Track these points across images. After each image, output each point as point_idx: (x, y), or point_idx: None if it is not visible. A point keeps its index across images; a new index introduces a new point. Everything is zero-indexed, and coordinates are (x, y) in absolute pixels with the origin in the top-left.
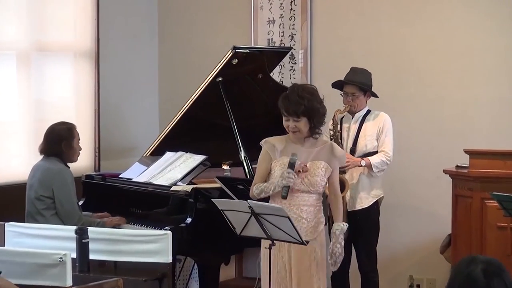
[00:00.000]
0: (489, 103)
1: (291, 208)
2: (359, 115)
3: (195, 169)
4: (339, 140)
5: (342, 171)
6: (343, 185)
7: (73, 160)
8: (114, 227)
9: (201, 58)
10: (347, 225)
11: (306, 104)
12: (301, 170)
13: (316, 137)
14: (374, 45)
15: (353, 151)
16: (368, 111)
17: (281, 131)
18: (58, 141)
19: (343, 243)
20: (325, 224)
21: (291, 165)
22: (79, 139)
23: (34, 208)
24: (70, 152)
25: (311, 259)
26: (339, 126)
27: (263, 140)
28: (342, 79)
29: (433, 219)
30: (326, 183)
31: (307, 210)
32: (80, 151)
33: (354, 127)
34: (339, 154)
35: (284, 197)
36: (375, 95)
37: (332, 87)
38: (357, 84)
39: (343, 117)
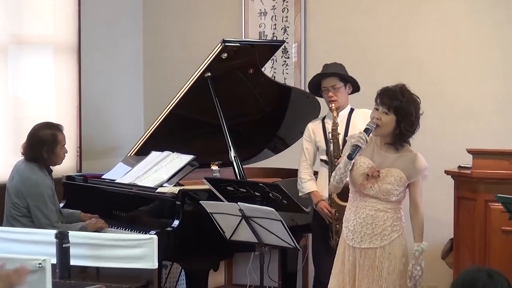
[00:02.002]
0: (494, 100)
1: (358, 211)
2: (343, 113)
3: (182, 170)
4: (339, 144)
5: None
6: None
7: (56, 164)
8: (97, 230)
9: (188, 52)
10: (427, 244)
11: (404, 102)
12: (369, 175)
13: (397, 147)
14: (371, 39)
15: (338, 158)
16: (352, 109)
17: (274, 129)
18: (39, 146)
19: (423, 265)
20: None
21: (367, 130)
22: (65, 143)
23: (11, 213)
24: (52, 158)
25: (375, 267)
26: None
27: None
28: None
29: (434, 222)
30: (403, 194)
31: (373, 215)
32: (66, 154)
33: (340, 126)
34: (421, 166)
35: (350, 157)
36: (357, 87)
37: (311, 92)
38: (336, 74)
39: (324, 117)
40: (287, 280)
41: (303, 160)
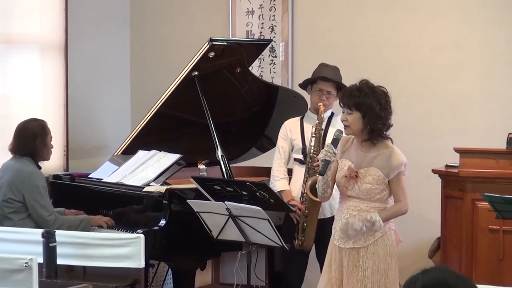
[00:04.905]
0: (481, 99)
1: (342, 212)
2: (325, 116)
3: (169, 169)
4: (321, 140)
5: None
6: None
7: (46, 158)
8: (98, 227)
9: (175, 51)
10: (382, 224)
11: (361, 98)
12: (347, 176)
13: (374, 142)
14: (359, 37)
15: (317, 154)
16: (332, 114)
17: (262, 128)
18: (32, 138)
19: (361, 225)
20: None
21: (334, 141)
22: (52, 137)
23: (1, 211)
24: (44, 150)
25: (359, 267)
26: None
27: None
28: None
29: (421, 221)
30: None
31: (356, 215)
32: (52, 149)
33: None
34: (397, 162)
35: (321, 173)
36: None
37: (302, 84)
38: (339, 84)
39: (303, 117)
40: (274, 279)
41: (277, 158)
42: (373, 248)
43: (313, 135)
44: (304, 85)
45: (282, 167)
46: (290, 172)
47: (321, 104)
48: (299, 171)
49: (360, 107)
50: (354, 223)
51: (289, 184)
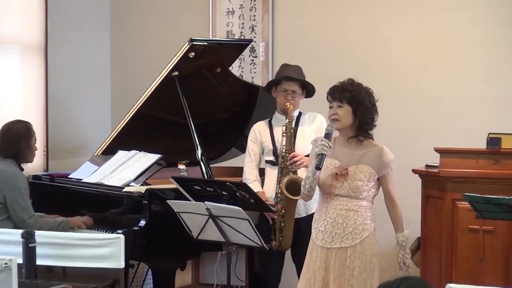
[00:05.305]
0: (462, 99)
1: (328, 212)
2: (293, 115)
3: (149, 169)
4: (292, 139)
5: (293, 171)
6: (299, 188)
7: (30, 160)
8: (77, 227)
9: (156, 52)
10: (408, 231)
11: (353, 92)
12: (338, 174)
13: (361, 139)
14: (339, 37)
15: (290, 153)
16: (300, 113)
17: (242, 129)
18: (17, 140)
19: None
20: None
21: (327, 135)
22: (36, 139)
23: None
24: (28, 153)
25: (346, 267)
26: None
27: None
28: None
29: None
30: (374, 189)
31: (344, 215)
32: (36, 151)
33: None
34: (388, 159)
35: (318, 168)
36: (311, 94)
37: (266, 87)
38: (302, 82)
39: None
40: (254, 279)
41: (248, 161)
42: (361, 248)
43: (284, 134)
44: (268, 87)
45: (253, 170)
46: (262, 171)
47: (288, 104)
48: (271, 173)
49: (352, 101)
50: (404, 259)
51: (262, 186)
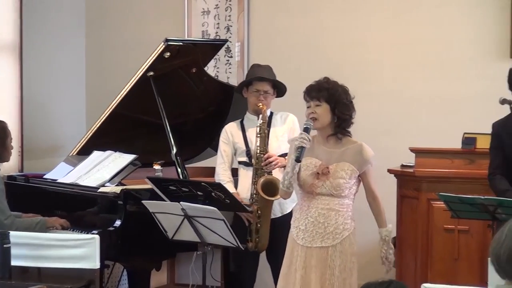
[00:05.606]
0: (437, 99)
1: (309, 211)
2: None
3: (125, 169)
4: (266, 140)
5: (268, 172)
6: (275, 188)
7: (6, 160)
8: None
9: (131, 52)
10: (391, 226)
11: (330, 90)
12: (319, 173)
13: (340, 137)
14: (315, 37)
15: (264, 153)
16: (272, 113)
17: (217, 129)
18: None
19: (392, 247)
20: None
21: (306, 129)
22: (12, 138)
23: None
24: (4, 152)
25: (327, 266)
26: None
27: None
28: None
29: None
30: (355, 187)
31: (325, 214)
32: (12, 150)
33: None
34: (369, 155)
35: (298, 160)
36: (282, 94)
37: (238, 88)
38: (274, 82)
39: (243, 119)
40: (230, 280)
41: (221, 162)
42: (341, 247)
43: (258, 135)
44: (240, 88)
45: (226, 171)
46: (234, 172)
47: (260, 104)
48: (245, 174)
49: (330, 99)
50: (388, 255)
51: (236, 187)
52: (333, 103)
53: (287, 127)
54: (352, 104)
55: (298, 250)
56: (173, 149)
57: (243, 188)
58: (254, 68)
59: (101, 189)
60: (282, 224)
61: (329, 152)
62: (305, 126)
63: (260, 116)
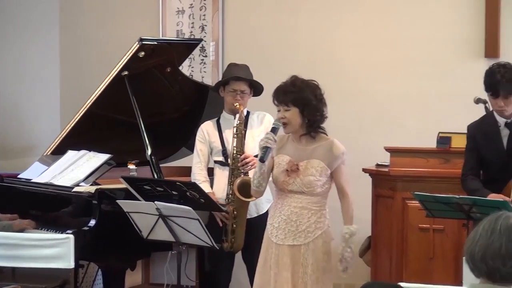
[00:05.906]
0: (412, 98)
1: (282, 208)
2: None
3: (99, 169)
4: (243, 140)
5: (244, 172)
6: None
7: None
8: (21, 230)
9: (105, 51)
10: (357, 227)
11: (297, 93)
12: (288, 170)
13: (313, 135)
14: (290, 37)
15: (241, 154)
16: (248, 112)
17: (192, 128)
18: None
19: (353, 247)
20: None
21: (274, 129)
22: None
23: None
24: None
25: (300, 264)
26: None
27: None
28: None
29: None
30: (327, 185)
31: (298, 212)
32: None
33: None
34: (339, 152)
35: (262, 160)
36: (259, 93)
37: (215, 87)
38: (251, 81)
39: (219, 118)
40: (205, 279)
41: (197, 161)
42: (314, 245)
43: (235, 135)
44: (216, 87)
45: (202, 170)
46: (210, 171)
47: (237, 104)
48: (221, 174)
49: (298, 102)
50: (344, 252)
51: (211, 186)
52: (301, 106)
53: (263, 127)
54: (323, 101)
55: (272, 248)
56: (147, 149)
57: (219, 188)
58: (231, 67)
59: (76, 189)
60: (258, 224)
61: (301, 149)
62: (273, 126)
63: (237, 116)
